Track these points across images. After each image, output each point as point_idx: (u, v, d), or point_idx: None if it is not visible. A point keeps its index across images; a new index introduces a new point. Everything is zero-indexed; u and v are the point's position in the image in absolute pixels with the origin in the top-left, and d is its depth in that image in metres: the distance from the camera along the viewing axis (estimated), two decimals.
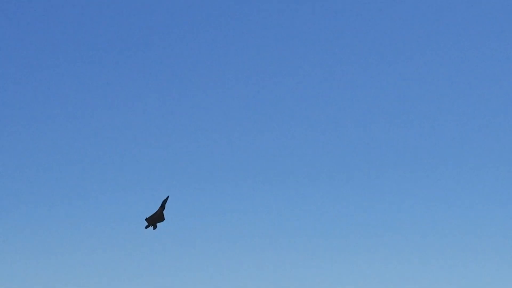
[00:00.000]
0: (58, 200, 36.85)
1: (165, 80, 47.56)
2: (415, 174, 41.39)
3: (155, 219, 17.31)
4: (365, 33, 46.07)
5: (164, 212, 18.53)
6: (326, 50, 47.64)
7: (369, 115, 45.75)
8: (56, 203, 36.86)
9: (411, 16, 45.26)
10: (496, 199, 37.99)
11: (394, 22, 45.69)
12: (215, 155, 42.62)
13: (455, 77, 44.58)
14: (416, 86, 45.79)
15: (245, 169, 42.16)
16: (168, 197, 16.94)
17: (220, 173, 43.36)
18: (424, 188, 41.38)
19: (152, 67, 44.87)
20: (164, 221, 18.13)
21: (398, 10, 46.31)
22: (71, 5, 42.60)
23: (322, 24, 45.46)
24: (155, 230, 17.62)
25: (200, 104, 46.10)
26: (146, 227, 17.28)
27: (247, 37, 44.14)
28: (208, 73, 46.22)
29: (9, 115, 37.72)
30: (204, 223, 40.86)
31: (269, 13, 46.58)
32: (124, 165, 39.51)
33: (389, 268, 33.37)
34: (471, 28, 44.52)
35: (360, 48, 47.24)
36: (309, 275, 35.85)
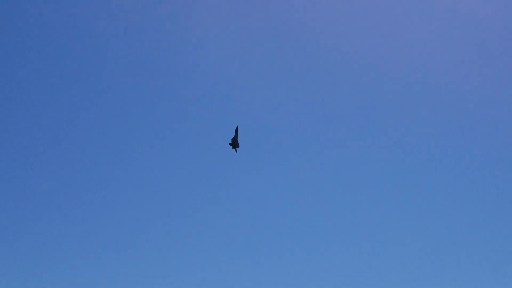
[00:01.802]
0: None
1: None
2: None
3: (234, 144, 22.30)
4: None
5: None
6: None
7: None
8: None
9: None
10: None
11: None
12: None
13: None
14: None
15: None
16: (237, 126, 22.22)
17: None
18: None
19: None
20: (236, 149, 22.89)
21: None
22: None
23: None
24: (236, 153, 22.51)
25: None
26: (232, 148, 22.51)
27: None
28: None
29: None
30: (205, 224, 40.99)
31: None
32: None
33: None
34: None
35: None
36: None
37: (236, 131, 23.01)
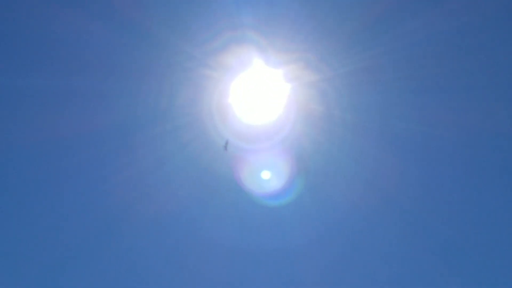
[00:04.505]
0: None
1: None
2: None
3: (225, 147, 25.69)
4: None
5: None
6: None
7: None
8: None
9: None
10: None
11: None
12: None
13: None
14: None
15: None
16: (227, 140, 24.85)
17: None
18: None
19: None
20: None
21: None
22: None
23: None
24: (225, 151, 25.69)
25: None
26: (225, 148, 25.42)
27: None
28: None
29: None
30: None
31: None
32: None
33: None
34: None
35: None
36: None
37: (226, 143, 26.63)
